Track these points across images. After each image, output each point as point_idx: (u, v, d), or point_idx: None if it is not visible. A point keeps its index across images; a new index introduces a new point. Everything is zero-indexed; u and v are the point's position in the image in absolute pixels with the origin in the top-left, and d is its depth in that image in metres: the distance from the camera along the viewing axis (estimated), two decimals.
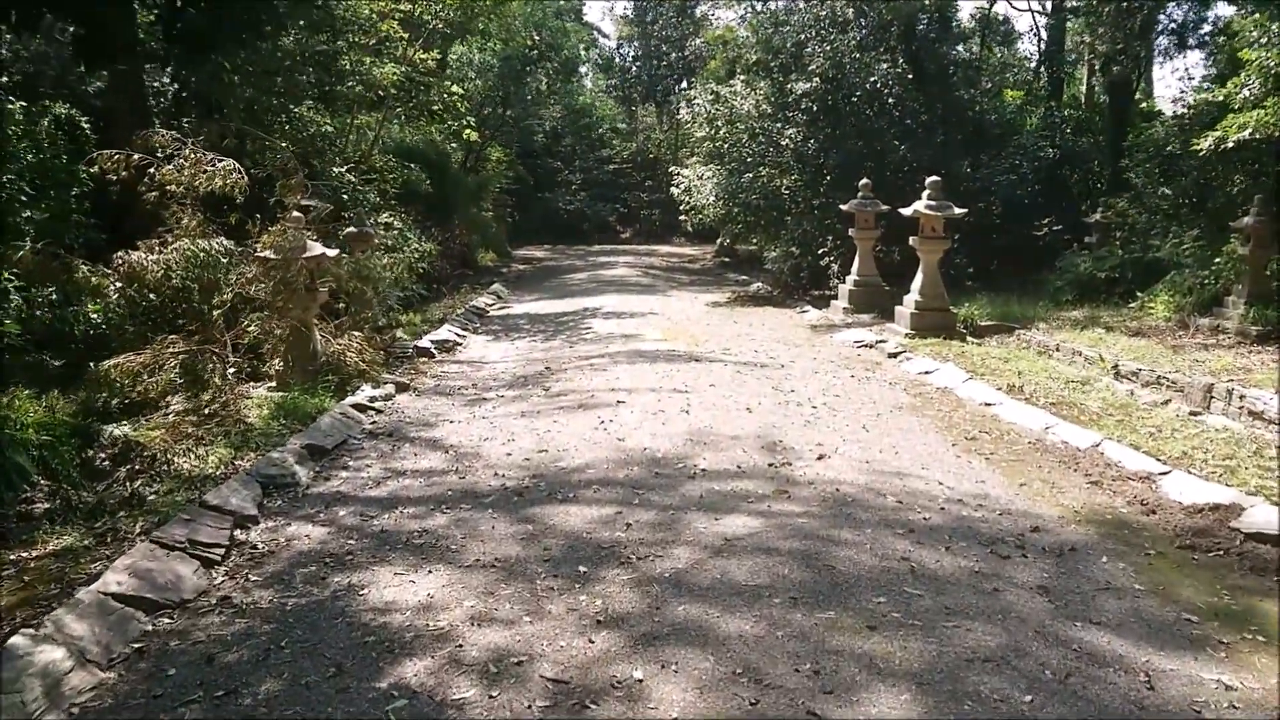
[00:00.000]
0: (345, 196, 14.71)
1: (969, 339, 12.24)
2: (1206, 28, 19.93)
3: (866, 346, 12.05)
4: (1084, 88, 25.19)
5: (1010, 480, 6.32)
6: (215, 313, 9.15)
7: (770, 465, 6.59)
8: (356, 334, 9.60)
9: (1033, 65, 25.53)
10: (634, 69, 38.74)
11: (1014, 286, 16.05)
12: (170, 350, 7.88)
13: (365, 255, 10.93)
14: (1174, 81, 41.84)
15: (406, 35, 17.54)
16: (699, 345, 12.16)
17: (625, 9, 38.33)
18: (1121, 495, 6.03)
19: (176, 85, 13.89)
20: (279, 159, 9.42)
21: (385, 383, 9.46)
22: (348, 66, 15.74)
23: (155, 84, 14.19)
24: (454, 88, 19.25)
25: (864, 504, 5.77)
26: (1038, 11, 24.94)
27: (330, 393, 8.62)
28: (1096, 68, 22.23)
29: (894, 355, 11.30)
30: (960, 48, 21.14)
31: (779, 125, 17.67)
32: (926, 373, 10.19)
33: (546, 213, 33.11)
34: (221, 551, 5.00)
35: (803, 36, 18.08)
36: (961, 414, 8.28)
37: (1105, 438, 7.22)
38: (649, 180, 34.60)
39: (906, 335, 12.20)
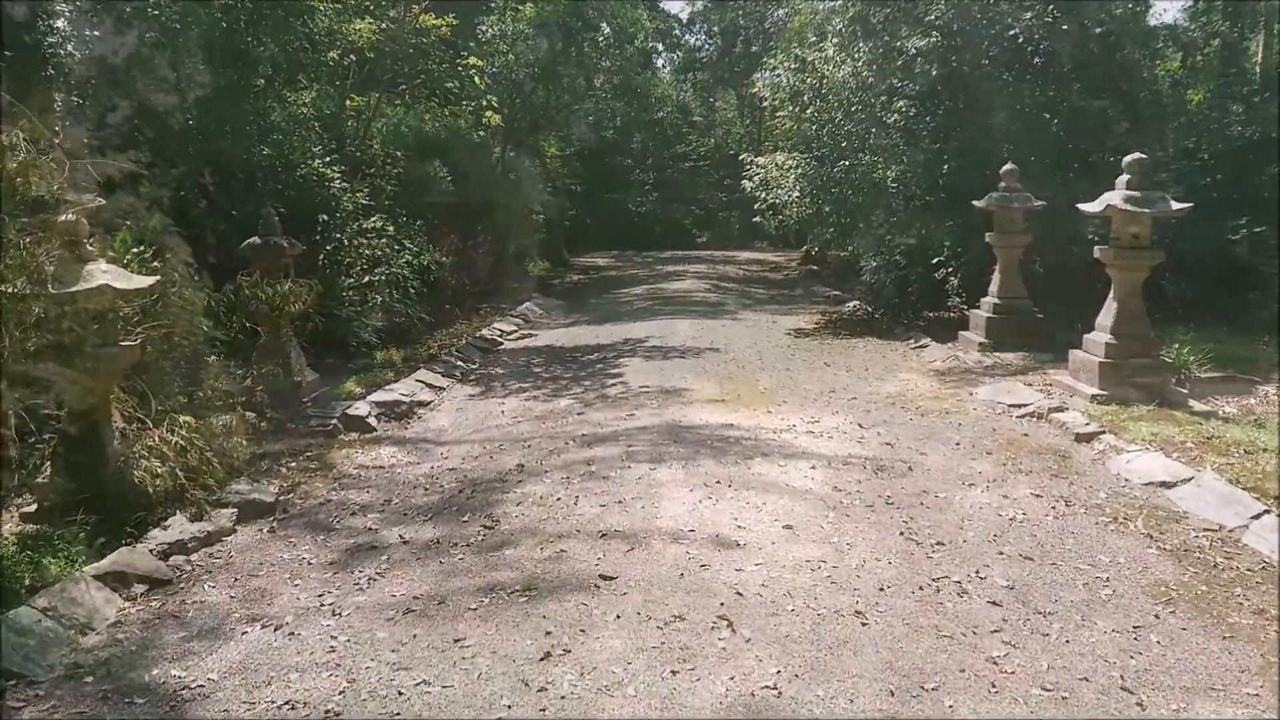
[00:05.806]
0: (316, 199, 11.32)
1: (1190, 402, 7.87)
2: None
3: (1035, 417, 7.70)
4: (1259, 54, 20.13)
5: None
6: None
7: None
8: (185, 420, 5.68)
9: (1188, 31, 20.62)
10: (712, 51, 34.51)
11: (1205, 311, 11.46)
12: None
13: (252, 283, 7.03)
14: None
15: None
16: (771, 411, 8.00)
17: None
18: None
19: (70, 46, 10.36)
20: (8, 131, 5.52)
21: (226, 503, 5.56)
22: (323, 26, 12.13)
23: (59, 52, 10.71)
24: (471, 59, 15.37)
25: None
26: None
27: (85, 544, 4.75)
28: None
29: (1085, 438, 6.97)
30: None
31: (884, 97, 13.39)
32: (1165, 485, 5.85)
33: (615, 215, 29.84)
34: None
35: None
36: None
37: None
38: (728, 179, 30.50)
39: (1094, 398, 7.83)
